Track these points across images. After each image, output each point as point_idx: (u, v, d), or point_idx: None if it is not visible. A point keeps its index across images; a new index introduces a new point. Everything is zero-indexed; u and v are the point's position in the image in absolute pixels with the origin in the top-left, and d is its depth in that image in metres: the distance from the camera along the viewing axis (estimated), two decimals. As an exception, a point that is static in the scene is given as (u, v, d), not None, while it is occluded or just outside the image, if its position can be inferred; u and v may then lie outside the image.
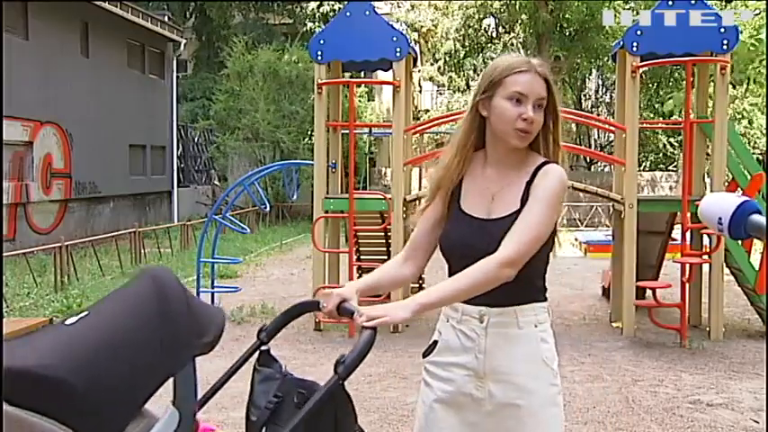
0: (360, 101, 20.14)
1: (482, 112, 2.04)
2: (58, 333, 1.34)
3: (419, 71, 23.62)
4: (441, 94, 25.56)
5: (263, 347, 1.95)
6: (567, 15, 21.37)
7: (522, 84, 1.97)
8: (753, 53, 11.14)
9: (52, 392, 1.20)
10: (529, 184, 2.01)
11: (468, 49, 23.53)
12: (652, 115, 21.92)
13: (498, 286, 1.90)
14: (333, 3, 22.57)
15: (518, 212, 1.98)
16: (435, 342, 2.07)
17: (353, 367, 1.64)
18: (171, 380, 1.40)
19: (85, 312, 1.39)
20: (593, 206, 19.40)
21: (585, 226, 18.91)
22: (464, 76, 24.07)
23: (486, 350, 1.99)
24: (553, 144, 2.07)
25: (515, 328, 1.99)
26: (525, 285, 1.99)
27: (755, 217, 1.58)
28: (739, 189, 7.25)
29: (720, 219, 1.62)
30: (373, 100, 23.36)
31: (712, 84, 7.97)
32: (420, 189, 17.59)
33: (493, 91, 2.01)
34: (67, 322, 1.36)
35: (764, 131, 13.79)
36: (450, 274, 2.08)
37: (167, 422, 1.37)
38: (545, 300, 2.06)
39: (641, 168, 21.28)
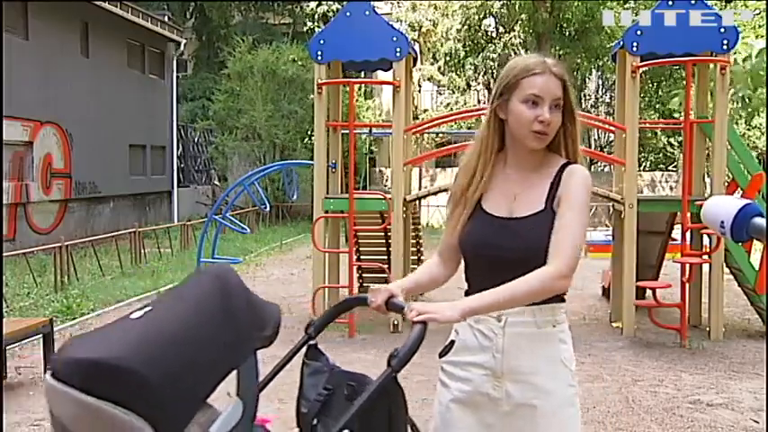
0: (359, 101, 20.15)
1: (500, 116, 2.06)
2: (126, 326, 1.39)
3: (419, 71, 23.62)
4: (440, 94, 25.54)
5: (310, 342, 2.00)
6: (566, 15, 21.36)
7: (537, 86, 1.98)
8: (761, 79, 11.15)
9: (126, 383, 1.25)
10: (553, 185, 2.02)
11: (468, 49, 23.52)
12: (657, 115, 21.92)
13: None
14: (332, 3, 22.57)
15: (542, 212, 1.99)
16: (452, 342, 2.06)
17: (406, 360, 1.67)
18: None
19: (148, 307, 1.44)
20: (593, 206, 19.40)
21: (585, 226, 18.88)
22: (464, 76, 24.06)
23: (504, 350, 1.99)
24: (572, 144, 2.08)
25: (534, 327, 1.99)
26: None
27: (757, 220, 1.60)
28: (739, 189, 7.26)
29: (723, 222, 1.63)
30: (371, 98, 23.34)
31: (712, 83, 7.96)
32: (420, 189, 17.58)
33: (509, 94, 2.02)
34: (133, 316, 1.41)
35: (765, 131, 13.80)
36: (468, 273, 2.10)
37: (232, 412, 1.43)
38: (563, 300, 2.05)
39: (641, 168, 21.27)
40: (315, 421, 1.82)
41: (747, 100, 12.01)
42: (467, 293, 2.05)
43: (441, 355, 2.07)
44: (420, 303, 1.86)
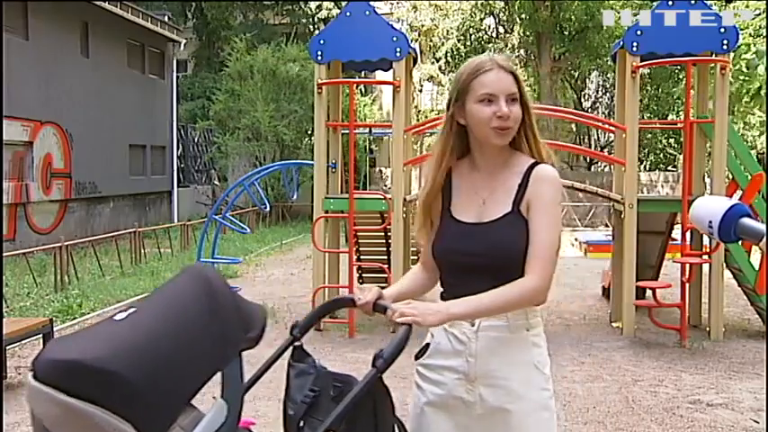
0: (359, 101, 20.14)
1: (459, 121, 2.05)
2: (109, 328, 1.39)
3: (420, 71, 23.62)
4: (441, 94, 25.54)
5: (296, 343, 1.98)
6: (566, 15, 21.37)
7: (488, 83, 1.98)
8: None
9: (107, 384, 1.25)
10: (520, 186, 2.01)
11: (468, 48, 23.52)
12: (659, 112, 21.92)
13: (492, 287, 1.91)
14: (331, 4, 22.56)
15: (509, 215, 1.99)
16: (427, 345, 2.07)
17: (391, 360, 1.68)
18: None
19: (133, 309, 1.43)
20: (593, 206, 19.40)
21: (585, 226, 18.92)
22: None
23: (477, 354, 1.99)
24: (533, 138, 2.06)
25: (507, 332, 1.99)
26: None
27: (745, 220, 1.59)
28: (739, 189, 7.26)
29: (710, 222, 1.63)
30: (367, 96, 23.32)
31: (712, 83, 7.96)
32: (420, 189, 17.58)
33: (464, 98, 2.02)
34: (116, 318, 1.40)
35: (764, 131, 13.80)
36: (443, 281, 2.10)
37: (216, 413, 1.42)
38: (537, 304, 2.06)
39: (641, 168, 21.28)
40: (301, 423, 1.81)
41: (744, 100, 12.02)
42: (442, 296, 2.06)
43: (416, 358, 2.07)
44: (404, 305, 1.87)
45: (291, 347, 1.98)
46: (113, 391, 1.26)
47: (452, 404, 2.02)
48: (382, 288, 2.08)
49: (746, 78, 11.48)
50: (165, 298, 1.49)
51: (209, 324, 1.41)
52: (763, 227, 1.57)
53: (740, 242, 7.06)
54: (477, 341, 1.99)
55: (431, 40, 24.32)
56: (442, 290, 2.11)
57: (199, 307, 1.42)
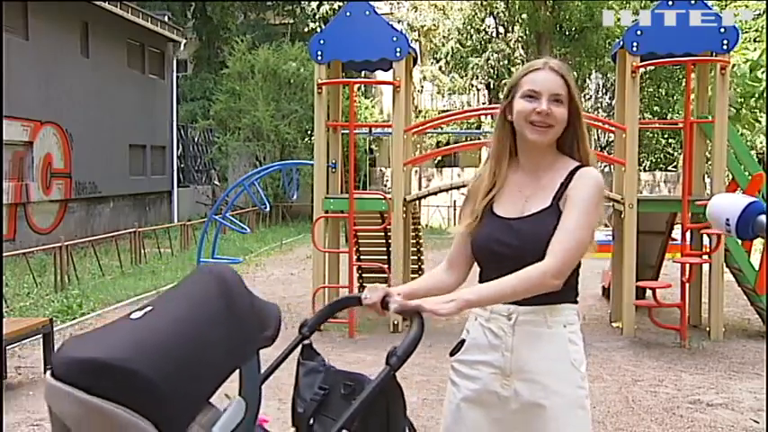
0: (359, 102, 20.14)
1: (508, 118, 2.08)
2: (127, 327, 1.39)
3: (421, 71, 23.61)
4: (441, 95, 25.53)
5: (305, 341, 1.99)
6: (566, 15, 21.37)
7: (534, 81, 2.02)
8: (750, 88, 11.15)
9: (129, 383, 1.26)
10: (563, 184, 2.02)
11: (469, 48, 23.52)
12: (659, 112, 21.91)
13: None
14: (333, 2, 22.56)
15: (547, 209, 2.00)
16: (463, 341, 2.08)
17: (405, 359, 1.68)
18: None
19: (149, 307, 1.44)
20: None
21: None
22: (466, 76, 24.06)
23: (513, 348, 1.99)
24: (581, 144, 2.08)
25: (544, 327, 1.99)
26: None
27: (763, 218, 1.59)
28: (739, 189, 7.25)
29: (728, 219, 1.63)
30: (369, 99, 23.34)
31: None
32: (420, 189, 17.55)
33: (513, 94, 2.06)
34: (133, 316, 1.41)
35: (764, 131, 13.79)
36: (482, 277, 2.10)
37: (235, 411, 1.44)
38: (576, 301, 2.06)
39: (641, 168, 21.26)
40: (311, 421, 1.82)
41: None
42: None
43: (451, 354, 2.08)
44: (411, 304, 1.87)
45: (300, 346, 1.99)
46: (135, 390, 1.26)
47: (487, 399, 2.02)
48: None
49: (752, 83, 11.46)
50: (183, 297, 1.49)
51: (227, 323, 1.42)
52: None
53: (740, 242, 7.06)
54: (513, 335, 1.99)
55: (431, 41, 24.32)
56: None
57: (217, 306, 1.43)
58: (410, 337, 1.72)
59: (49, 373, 1.30)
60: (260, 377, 1.50)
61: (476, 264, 2.15)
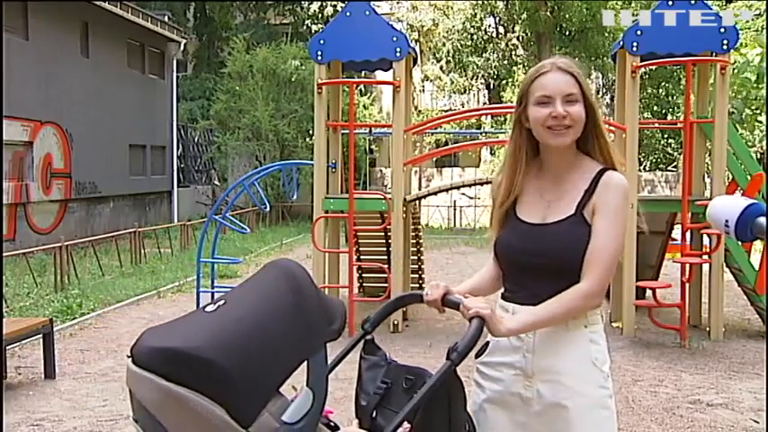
0: (358, 101, 20.14)
1: (525, 125, 2.06)
2: (202, 319, 1.49)
3: (421, 71, 23.61)
4: (441, 95, 25.52)
5: (367, 337, 2.06)
6: (566, 15, 21.36)
7: (544, 85, 2.00)
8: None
9: (205, 372, 1.35)
10: (587, 191, 2.00)
11: (469, 48, 23.52)
12: (659, 112, 21.90)
13: (552, 288, 1.93)
14: (335, 2, 22.56)
15: (571, 217, 1.99)
16: (487, 343, 2.08)
17: (466, 353, 1.74)
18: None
19: (222, 301, 1.52)
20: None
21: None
22: (466, 76, 24.06)
23: (535, 349, 2.00)
24: (604, 143, 2.05)
25: (564, 328, 1.99)
26: None
27: (762, 219, 1.60)
28: (739, 189, 7.25)
29: (727, 221, 1.63)
30: (366, 96, 23.35)
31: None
32: (420, 189, 17.53)
33: (526, 101, 2.04)
34: (207, 309, 1.50)
35: (764, 131, 13.79)
36: (506, 281, 2.12)
37: (303, 400, 1.50)
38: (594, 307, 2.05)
39: (641, 168, 21.26)
40: (374, 413, 1.88)
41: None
42: (503, 296, 2.11)
43: (477, 356, 2.08)
44: (475, 301, 1.89)
45: (363, 341, 2.06)
46: (210, 378, 1.35)
47: (510, 400, 2.03)
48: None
49: (754, 86, 11.44)
50: (254, 291, 1.57)
51: (295, 317, 1.49)
52: None
53: (740, 242, 7.06)
54: (534, 337, 2.00)
55: (431, 41, 24.32)
56: (503, 289, 2.13)
57: (286, 300, 1.50)
58: (471, 333, 1.78)
59: (130, 360, 1.41)
60: (326, 369, 1.55)
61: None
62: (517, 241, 2.05)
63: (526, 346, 2.01)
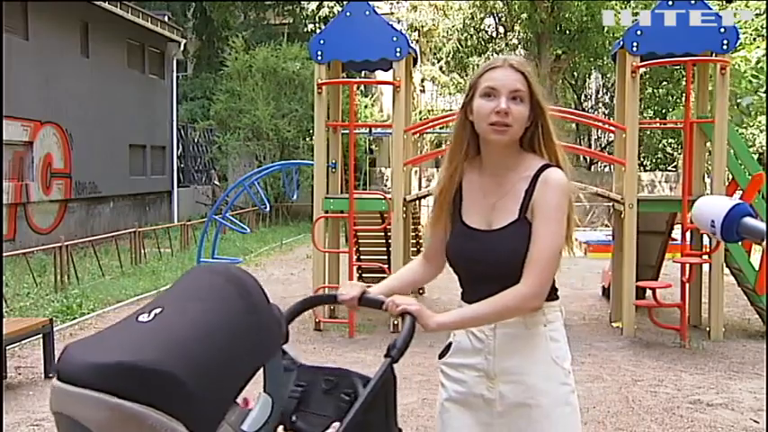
0: (359, 101, 20.15)
1: (470, 117, 2.04)
2: (141, 329, 1.36)
3: (421, 71, 23.60)
4: (441, 95, 25.53)
5: None
6: (566, 15, 21.36)
7: (492, 79, 1.98)
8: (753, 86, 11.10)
9: (161, 386, 1.25)
10: (528, 192, 1.99)
11: (469, 48, 23.52)
12: (659, 112, 21.89)
13: (507, 289, 1.92)
14: (333, 3, 22.57)
15: (516, 222, 1.99)
16: (450, 344, 2.10)
17: (404, 349, 1.77)
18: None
19: (158, 309, 1.40)
20: (593, 206, 19.40)
21: (585, 226, 18.91)
22: (466, 76, 24.06)
23: (496, 351, 2.01)
24: (545, 140, 2.03)
25: (523, 328, 1.99)
26: None
27: (748, 220, 1.59)
28: (739, 189, 7.25)
29: (713, 222, 1.63)
30: (368, 97, 23.35)
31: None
32: (420, 189, 17.57)
33: (473, 93, 2.02)
34: (142, 319, 1.38)
35: (764, 130, 13.79)
36: (461, 285, 2.11)
37: (263, 407, 1.46)
38: (555, 298, 2.05)
39: (641, 168, 21.28)
40: (293, 418, 1.82)
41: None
42: (462, 296, 2.11)
43: (440, 357, 2.11)
44: (402, 298, 1.91)
45: None
46: (166, 391, 1.25)
47: (473, 401, 2.04)
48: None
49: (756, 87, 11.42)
50: (195, 298, 1.46)
51: (249, 321, 1.42)
52: (765, 226, 1.57)
53: (740, 242, 7.06)
54: (494, 339, 2.01)
55: (431, 41, 24.32)
56: (461, 291, 2.13)
57: (237, 305, 1.42)
58: (406, 330, 1.80)
59: (55, 378, 1.26)
60: (283, 373, 1.53)
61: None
62: (465, 249, 2.04)
63: (487, 349, 2.01)
